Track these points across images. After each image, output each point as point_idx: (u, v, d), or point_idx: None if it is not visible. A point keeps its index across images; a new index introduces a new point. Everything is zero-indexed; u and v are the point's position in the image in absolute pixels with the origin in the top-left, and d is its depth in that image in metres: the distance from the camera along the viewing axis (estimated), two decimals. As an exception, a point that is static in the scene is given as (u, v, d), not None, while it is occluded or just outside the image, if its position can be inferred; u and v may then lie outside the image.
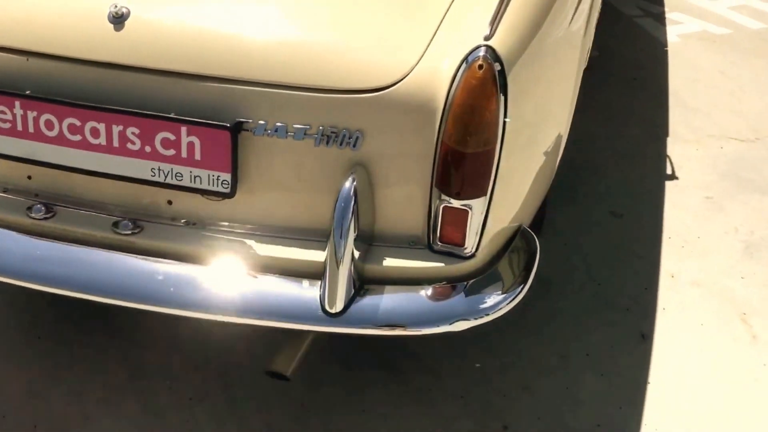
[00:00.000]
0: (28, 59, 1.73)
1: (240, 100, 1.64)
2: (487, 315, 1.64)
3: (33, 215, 1.77)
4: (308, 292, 1.62)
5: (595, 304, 2.43)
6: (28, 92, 1.71)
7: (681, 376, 2.21)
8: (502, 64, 1.56)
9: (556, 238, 2.68)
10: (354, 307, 1.60)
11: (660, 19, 4.29)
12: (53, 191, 1.81)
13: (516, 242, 1.78)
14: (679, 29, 4.21)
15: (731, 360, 2.27)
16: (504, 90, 1.56)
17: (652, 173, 3.05)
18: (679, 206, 2.88)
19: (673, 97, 3.57)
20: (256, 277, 1.66)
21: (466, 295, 1.64)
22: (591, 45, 2.97)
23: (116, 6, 1.69)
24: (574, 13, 2.01)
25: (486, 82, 1.55)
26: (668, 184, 3.00)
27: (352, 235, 1.59)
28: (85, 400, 2.08)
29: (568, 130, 2.16)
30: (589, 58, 3.77)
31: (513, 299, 1.68)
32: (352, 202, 1.59)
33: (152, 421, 2.04)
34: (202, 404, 2.09)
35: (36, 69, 1.73)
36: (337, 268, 1.58)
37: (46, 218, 1.77)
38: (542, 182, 2.01)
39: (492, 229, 1.68)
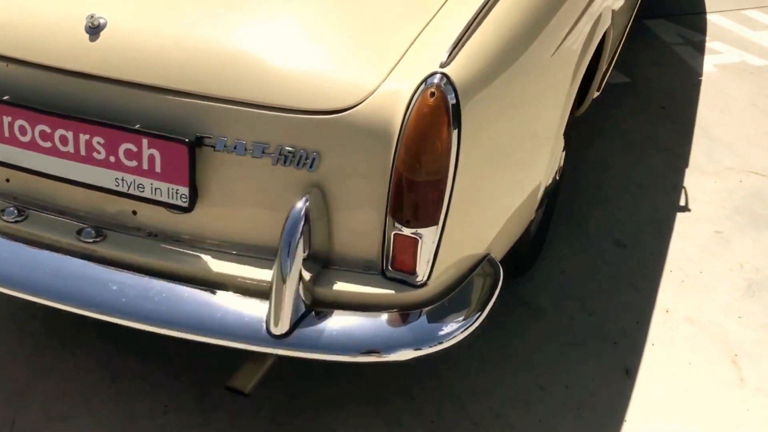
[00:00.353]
0: (7, 65, 1.78)
1: (201, 115, 1.66)
2: (434, 345, 1.62)
3: (5, 218, 1.81)
4: (256, 311, 1.63)
5: (583, 335, 2.38)
6: (6, 98, 1.76)
7: (660, 416, 2.14)
8: (456, 94, 1.53)
9: (555, 264, 2.64)
10: (300, 330, 1.60)
11: (699, 47, 4.18)
12: (29, 195, 1.85)
13: (477, 272, 1.75)
14: (717, 59, 4.09)
15: (715, 403, 2.19)
16: (457, 120, 1.54)
17: (664, 204, 2.97)
18: (686, 239, 2.79)
19: (699, 127, 3.47)
20: (205, 293, 1.66)
21: (414, 324, 1.62)
22: (606, 71, 2.92)
23: (93, 17, 1.73)
24: (563, 41, 1.97)
25: (437, 111, 1.53)
26: (679, 215, 2.91)
27: (299, 256, 1.58)
28: (65, 401, 2.12)
29: (555, 162, 2.12)
30: (618, 84, 3.72)
31: (464, 330, 1.65)
32: (302, 223, 1.58)
33: (126, 426, 2.06)
34: (177, 413, 2.11)
35: (14, 75, 1.77)
36: (283, 288, 1.58)
37: (17, 221, 1.81)
38: (519, 217, 1.98)
39: (446, 258, 1.65)
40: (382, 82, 1.60)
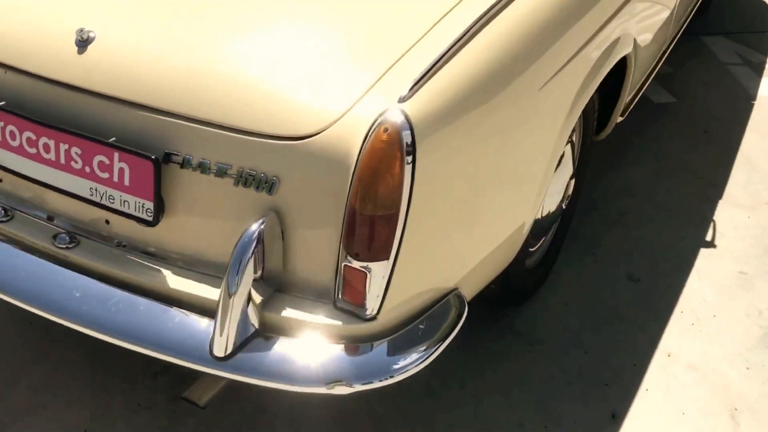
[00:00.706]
0: (6, 72, 1.85)
1: (171, 132, 1.68)
2: (378, 380, 1.60)
3: (-8, 217, 1.89)
4: (203, 330, 1.64)
5: (573, 373, 2.31)
6: (2, 103, 1.82)
7: (640, 467, 2.07)
8: (412, 130, 1.51)
9: (559, 293, 2.57)
10: (242, 354, 1.61)
11: (758, 69, 3.98)
12: (18, 197, 1.92)
13: (436, 308, 1.72)
14: (775, 83, 3.90)
15: (701, 459, 2.10)
16: (412, 156, 1.51)
17: (689, 237, 2.85)
18: (706, 278, 2.68)
19: (742, 156, 3.31)
20: (160, 308, 1.69)
21: (357, 358, 1.61)
22: (637, 94, 2.81)
23: (83, 30, 1.77)
24: (557, 74, 1.90)
25: (390, 147, 1.50)
26: (703, 251, 2.79)
27: (248, 276, 1.59)
28: (48, 390, 2.19)
29: (543, 198, 2.05)
30: (663, 104, 3.59)
31: (413, 367, 1.63)
32: (253, 244, 1.59)
33: (98, 420, 2.12)
34: (148, 412, 2.16)
35: (11, 82, 1.83)
36: (228, 307, 1.59)
37: (2, 221, 1.88)
38: (498, 255, 1.94)
39: (400, 293, 1.63)
40: (346, 113, 1.59)
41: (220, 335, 1.60)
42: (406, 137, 1.50)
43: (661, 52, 3.08)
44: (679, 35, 3.32)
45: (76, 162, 1.76)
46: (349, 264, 1.59)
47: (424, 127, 1.54)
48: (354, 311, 1.63)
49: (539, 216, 2.31)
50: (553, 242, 2.57)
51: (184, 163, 1.67)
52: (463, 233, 1.75)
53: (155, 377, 2.24)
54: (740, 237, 2.87)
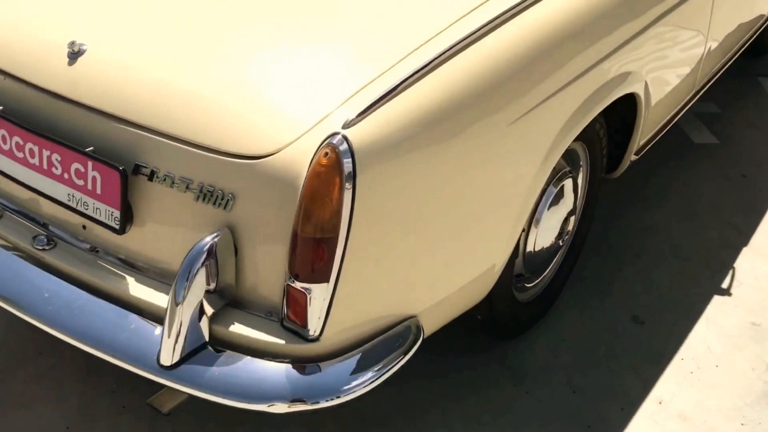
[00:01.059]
0: (4, 78, 1.95)
1: (142, 145, 1.74)
2: (310, 404, 1.60)
3: (-19, 216, 1.99)
4: (156, 339, 1.68)
5: (557, 413, 2.25)
6: (0, 108, 1.93)
7: None
8: (353, 156, 1.52)
9: (558, 329, 2.51)
10: (187, 365, 1.64)
11: (819, 114, 3.82)
12: (10, 198, 2.02)
13: (387, 335, 1.72)
14: (830, 130, 3.72)
15: None
16: (352, 182, 1.53)
17: (704, 283, 2.74)
18: (714, 326, 2.57)
19: (777, 203, 3.18)
20: (120, 313, 1.74)
21: (298, 378, 1.62)
22: (658, 134, 2.74)
23: (74, 43, 1.86)
24: (533, 109, 1.87)
25: (330, 172, 1.52)
26: (716, 298, 2.68)
27: (196, 287, 1.62)
28: (40, 386, 2.28)
29: (511, 241, 2.01)
30: (703, 144, 3.47)
31: (354, 391, 1.63)
32: (202, 257, 1.62)
33: (82, 420, 2.19)
34: (131, 415, 2.21)
35: (8, 88, 1.94)
36: (175, 316, 1.63)
37: (-7, 220, 1.98)
38: (463, 294, 1.94)
39: (344, 317, 1.64)
40: (301, 136, 1.62)
41: (167, 344, 1.64)
42: (347, 162, 1.52)
43: (694, 90, 3.00)
44: (720, 74, 3.22)
45: (57, 168, 1.84)
46: (292, 284, 1.60)
47: (368, 154, 1.55)
48: (298, 331, 1.65)
49: (532, 250, 2.28)
50: (555, 277, 2.53)
51: (152, 176, 1.73)
52: (422, 266, 1.75)
53: (145, 381, 2.30)
54: (759, 287, 2.75)
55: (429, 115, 1.65)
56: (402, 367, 1.75)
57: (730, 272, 2.80)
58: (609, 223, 2.97)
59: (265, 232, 1.64)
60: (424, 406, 2.25)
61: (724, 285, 2.74)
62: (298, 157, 1.59)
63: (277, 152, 1.61)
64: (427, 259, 1.76)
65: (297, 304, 1.61)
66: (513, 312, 2.33)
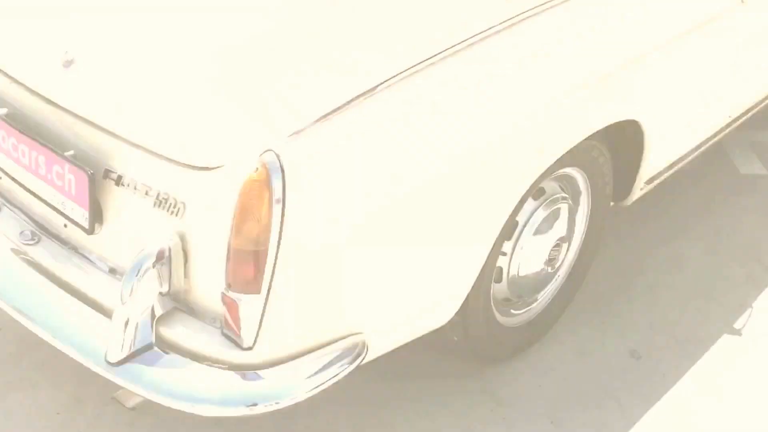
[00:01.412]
0: (10, 81, 2.09)
1: (112, 151, 1.84)
2: (240, 409, 1.65)
3: (-18, 208, 2.13)
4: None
5: (532, 443, 2.22)
6: (4, 110, 2.07)
7: None
8: (283, 171, 1.56)
9: (549, 358, 2.46)
10: (131, 364, 1.71)
11: None
12: (9, 194, 2.15)
13: (326, 350, 1.74)
14: None
15: None
16: (281, 198, 1.57)
17: (716, 321, 2.62)
18: (718, 369, 2.46)
19: (815, 242, 3.01)
20: (81, 310, 1.84)
21: (225, 384, 1.67)
22: (665, 168, 2.63)
23: (67, 52, 1.98)
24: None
25: (259, 187, 1.57)
26: (726, 337, 2.57)
27: (143, 292, 1.70)
28: (43, 371, 2.39)
29: (469, 275, 1.99)
30: (751, 176, 3.31)
31: (284, 402, 1.67)
32: (151, 260, 1.70)
33: (70, 407, 2.29)
34: (117, 405, 2.28)
35: (11, 90, 2.08)
36: (119, 318, 1.71)
37: (-8, 214, 2.12)
38: (419, 317, 1.96)
39: (280, 328, 1.68)
40: (245, 150, 1.66)
41: (114, 342, 1.72)
42: (276, 178, 1.56)
43: (730, 119, 2.88)
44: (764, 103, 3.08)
45: (42, 168, 1.96)
46: (226, 293, 1.66)
47: (301, 172, 1.58)
48: (234, 339, 1.69)
49: (516, 274, 2.26)
50: (551, 305, 2.48)
51: (119, 180, 1.82)
52: (365, 285, 1.77)
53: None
54: (777, 330, 2.61)
55: (371, 136, 1.67)
56: (348, 382, 1.77)
57: (748, 312, 2.67)
58: (629, 250, 2.89)
59: (208, 241, 1.70)
60: (396, 424, 2.25)
61: (738, 325, 2.62)
62: (239, 171, 1.64)
63: (222, 166, 1.67)
64: (370, 279, 1.78)
65: (231, 313, 1.66)
66: (495, 336, 2.30)
